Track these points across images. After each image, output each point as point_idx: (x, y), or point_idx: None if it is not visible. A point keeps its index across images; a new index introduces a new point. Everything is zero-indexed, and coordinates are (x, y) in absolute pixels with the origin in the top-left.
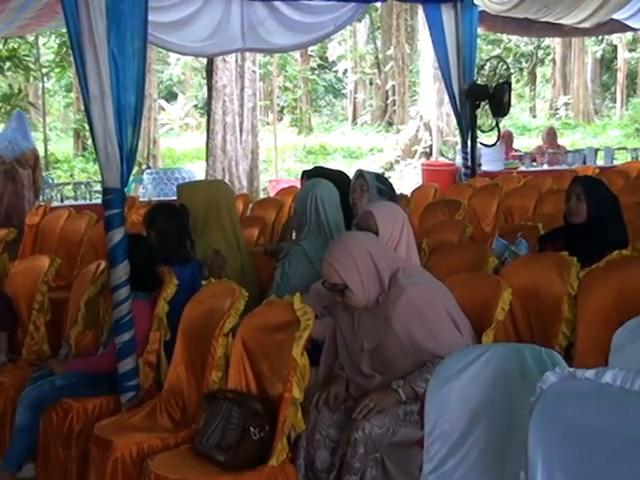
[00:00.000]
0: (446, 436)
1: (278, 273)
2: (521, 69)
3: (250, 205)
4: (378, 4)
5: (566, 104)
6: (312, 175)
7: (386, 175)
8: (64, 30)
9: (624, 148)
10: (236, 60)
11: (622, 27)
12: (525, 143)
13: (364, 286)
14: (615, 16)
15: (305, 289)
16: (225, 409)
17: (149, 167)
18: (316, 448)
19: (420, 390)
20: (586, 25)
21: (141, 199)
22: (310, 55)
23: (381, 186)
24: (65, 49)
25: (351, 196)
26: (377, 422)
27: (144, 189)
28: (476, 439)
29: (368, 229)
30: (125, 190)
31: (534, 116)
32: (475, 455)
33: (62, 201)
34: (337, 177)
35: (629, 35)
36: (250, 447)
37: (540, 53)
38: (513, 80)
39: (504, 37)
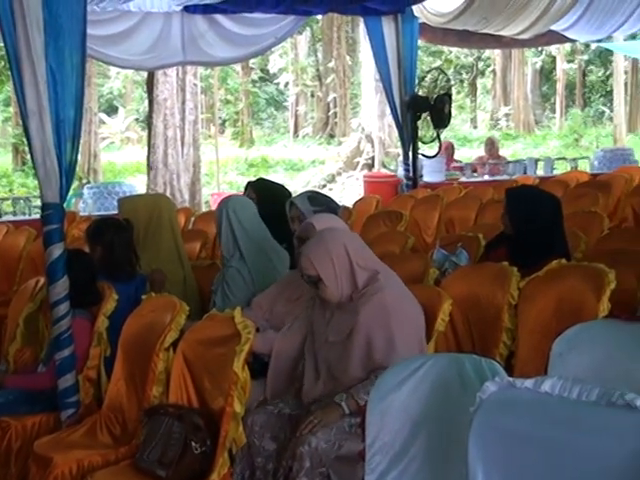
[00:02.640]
0: (387, 448)
1: (219, 298)
2: (462, 80)
3: (192, 219)
4: (319, 16)
5: (507, 115)
6: (256, 187)
7: (328, 187)
8: (1, 44)
9: (563, 158)
10: (177, 73)
11: (560, 38)
12: (466, 154)
13: (338, 280)
14: (553, 27)
15: (246, 304)
16: (166, 424)
17: (89, 181)
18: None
19: (363, 403)
20: (525, 36)
21: (81, 214)
22: (251, 68)
23: (316, 208)
24: (3, 63)
25: (291, 226)
26: (323, 436)
27: (84, 204)
28: (417, 450)
29: (308, 240)
30: (65, 205)
31: (475, 127)
32: (416, 466)
33: (0, 216)
34: (279, 191)
35: (567, 46)
36: (191, 462)
37: (480, 64)
38: (454, 91)
39: (445, 49)
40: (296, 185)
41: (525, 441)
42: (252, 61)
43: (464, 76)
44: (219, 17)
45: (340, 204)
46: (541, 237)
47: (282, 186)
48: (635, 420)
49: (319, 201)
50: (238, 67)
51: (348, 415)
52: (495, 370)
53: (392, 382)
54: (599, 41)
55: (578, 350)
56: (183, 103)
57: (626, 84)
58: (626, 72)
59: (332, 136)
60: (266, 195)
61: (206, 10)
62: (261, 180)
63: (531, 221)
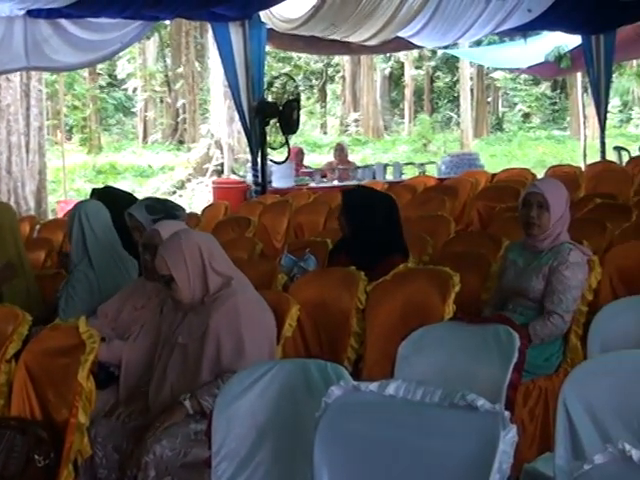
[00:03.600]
0: (233, 454)
1: (62, 300)
2: (311, 86)
3: (37, 227)
4: (167, 22)
5: (356, 120)
6: (100, 195)
7: (177, 194)
8: None
9: (412, 163)
10: (21, 79)
11: (407, 45)
12: (316, 160)
13: (190, 281)
14: (400, 34)
15: (91, 312)
16: (7, 438)
17: None
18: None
19: (206, 405)
20: (372, 43)
21: None
22: (99, 73)
23: (154, 217)
24: None
25: (134, 235)
26: (168, 444)
27: None
28: (263, 456)
29: (155, 247)
30: None
31: (325, 133)
32: (263, 472)
33: None
34: (124, 198)
35: (415, 53)
36: (34, 475)
37: (330, 70)
38: (304, 97)
39: (294, 55)
40: (145, 192)
41: (369, 443)
42: (99, 66)
43: (314, 82)
44: (64, 22)
45: (187, 211)
46: (377, 236)
47: (128, 194)
48: (476, 420)
49: (157, 209)
50: (85, 72)
51: (194, 421)
52: (341, 374)
53: (238, 388)
54: (445, 47)
55: (424, 352)
56: (27, 109)
57: (472, 90)
58: (472, 78)
59: (182, 142)
60: (110, 203)
61: (50, 14)
62: (106, 188)
63: (366, 220)
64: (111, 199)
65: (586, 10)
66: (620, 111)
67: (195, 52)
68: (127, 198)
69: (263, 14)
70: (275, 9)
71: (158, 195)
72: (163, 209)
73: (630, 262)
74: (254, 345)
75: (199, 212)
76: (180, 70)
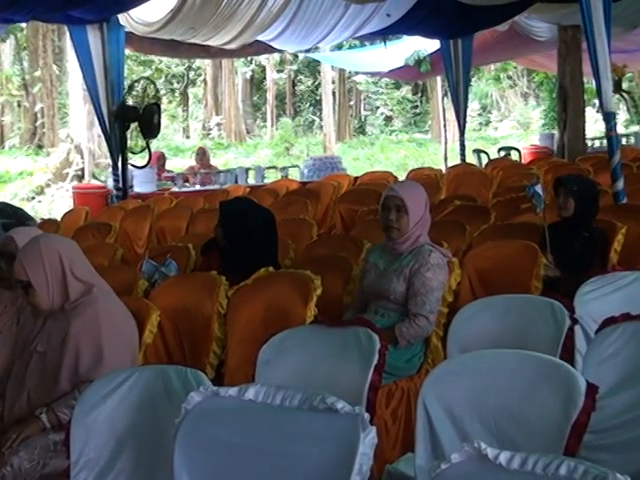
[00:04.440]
0: (92, 464)
1: None
2: (173, 90)
3: None
4: (23, 24)
5: (218, 124)
6: None
7: (37, 200)
8: None
9: (274, 167)
10: None
11: (268, 48)
12: (179, 164)
13: (49, 288)
14: (260, 38)
15: None
16: None
17: None
18: None
19: (63, 417)
20: (232, 46)
21: None
22: None
23: (5, 221)
24: None
25: None
26: (26, 455)
27: None
28: (124, 464)
29: (10, 255)
30: None
31: (188, 137)
32: None
33: None
34: None
35: (277, 56)
36: None
37: (192, 74)
38: (165, 101)
39: (155, 58)
40: (3, 198)
41: (229, 449)
42: None
43: (175, 85)
44: None
45: (47, 217)
46: (254, 251)
47: None
48: (336, 423)
49: (7, 213)
50: None
51: (52, 432)
52: (200, 380)
53: (96, 396)
54: (307, 51)
55: (284, 356)
56: None
57: (334, 93)
58: (334, 82)
59: (40, 147)
60: None
61: None
62: None
63: (244, 235)
64: None
65: (444, 15)
66: (479, 114)
67: (53, 55)
68: None
69: (122, 17)
70: (133, 12)
71: (16, 202)
72: (14, 214)
73: (488, 263)
74: (114, 354)
75: (59, 218)
76: (38, 73)
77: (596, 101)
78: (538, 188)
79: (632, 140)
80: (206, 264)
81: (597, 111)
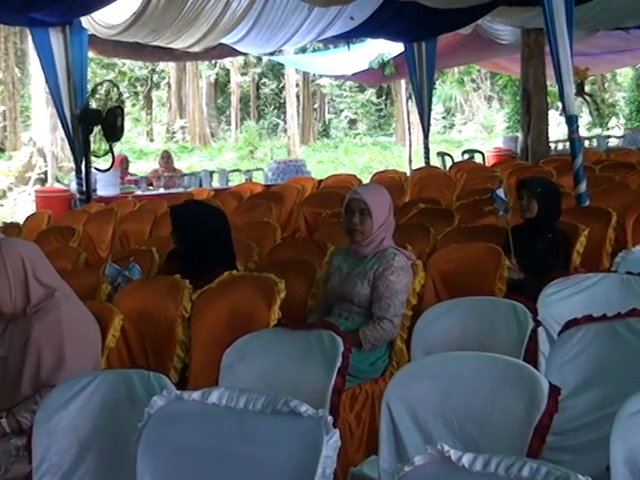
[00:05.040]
0: (55, 469)
1: None
2: (137, 93)
3: None
4: None
5: (183, 128)
6: None
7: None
8: None
9: (239, 170)
10: None
11: (232, 51)
12: (143, 167)
13: (11, 291)
14: (224, 41)
15: None
16: None
17: None
18: None
19: (24, 422)
20: (196, 49)
21: None
22: None
23: None
24: None
25: None
26: None
27: None
28: (86, 469)
29: None
30: None
31: (152, 140)
32: None
33: None
34: None
35: (241, 59)
36: None
37: (155, 77)
38: (129, 104)
39: (119, 61)
40: None
41: (193, 453)
42: None
43: (139, 89)
44: None
45: (9, 221)
46: (208, 252)
47: None
48: (299, 426)
49: None
50: None
51: (14, 436)
52: (164, 384)
53: (59, 401)
54: (271, 54)
55: (248, 359)
56: None
57: (298, 97)
58: (298, 85)
59: (2, 150)
60: None
61: None
62: None
63: (199, 238)
64: None
65: (407, 18)
66: (444, 117)
67: (15, 58)
68: None
69: (84, 20)
70: (96, 15)
71: None
72: None
73: (452, 266)
74: (76, 358)
75: (21, 222)
76: (0, 76)
77: (559, 104)
78: (500, 192)
79: (595, 143)
80: (167, 270)
81: (560, 114)
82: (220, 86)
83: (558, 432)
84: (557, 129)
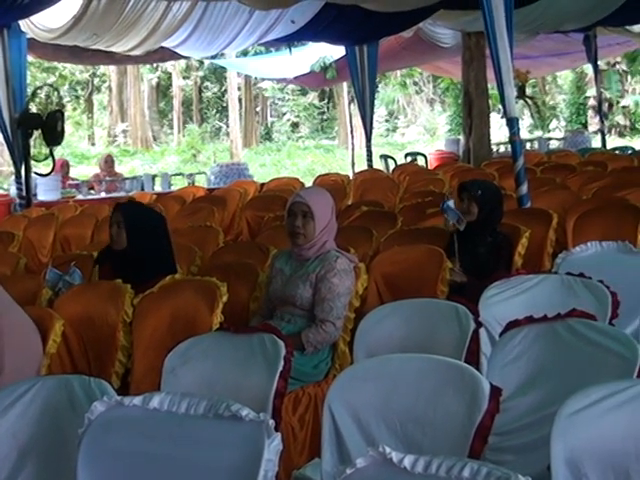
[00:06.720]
0: None
1: None
2: (78, 97)
3: None
4: None
5: (124, 131)
6: None
7: None
8: None
9: (181, 174)
10: None
11: (173, 55)
12: (85, 171)
13: None
14: (165, 44)
15: None
16: None
17: None
18: None
19: None
20: (137, 53)
21: None
22: None
23: None
24: None
25: None
26: None
27: None
28: (26, 476)
29: None
30: None
31: (93, 144)
32: None
33: None
34: None
35: (183, 63)
36: None
37: (96, 81)
38: (70, 108)
39: (59, 65)
40: None
41: (134, 458)
42: None
43: (80, 92)
44: None
45: None
46: (156, 253)
47: None
48: (241, 430)
49: None
50: None
51: None
52: (104, 389)
53: None
54: (212, 58)
55: (190, 364)
56: None
57: (240, 100)
58: (240, 88)
59: None
60: None
61: None
62: None
63: (148, 235)
64: None
65: (348, 22)
66: (386, 120)
67: None
68: None
69: (23, 23)
70: (35, 18)
71: None
72: None
73: (395, 268)
74: (16, 367)
75: None
76: None
77: (500, 107)
78: (451, 203)
79: (536, 145)
80: (101, 273)
81: (501, 117)
82: (162, 90)
83: (500, 433)
84: (499, 131)
